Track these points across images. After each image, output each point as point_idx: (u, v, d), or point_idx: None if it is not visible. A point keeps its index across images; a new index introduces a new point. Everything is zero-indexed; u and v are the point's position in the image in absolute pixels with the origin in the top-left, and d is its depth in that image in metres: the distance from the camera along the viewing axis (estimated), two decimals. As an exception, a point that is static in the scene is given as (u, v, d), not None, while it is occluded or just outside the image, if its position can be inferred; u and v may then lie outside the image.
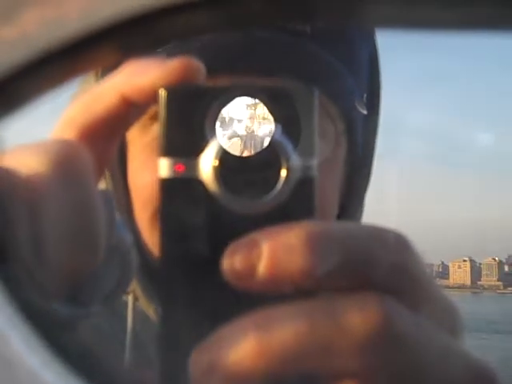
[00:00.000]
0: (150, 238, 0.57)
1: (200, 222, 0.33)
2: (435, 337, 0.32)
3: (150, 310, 0.60)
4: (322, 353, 0.30)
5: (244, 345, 0.30)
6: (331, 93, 0.58)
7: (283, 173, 0.33)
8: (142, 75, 0.35)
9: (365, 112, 0.63)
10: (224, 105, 0.33)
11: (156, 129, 0.54)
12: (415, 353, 0.31)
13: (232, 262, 0.31)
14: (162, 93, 0.34)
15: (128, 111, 0.36)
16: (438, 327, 0.32)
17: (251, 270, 0.31)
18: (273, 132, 0.33)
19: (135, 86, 0.35)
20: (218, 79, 0.52)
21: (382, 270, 0.32)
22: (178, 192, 0.33)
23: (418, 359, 0.31)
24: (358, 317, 0.30)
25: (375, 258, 0.32)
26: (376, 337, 0.30)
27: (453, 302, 0.34)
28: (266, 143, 0.33)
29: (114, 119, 0.36)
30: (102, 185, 0.58)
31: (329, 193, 0.59)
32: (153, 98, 0.34)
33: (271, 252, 0.31)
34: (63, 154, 0.33)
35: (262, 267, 0.31)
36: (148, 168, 0.56)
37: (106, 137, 0.37)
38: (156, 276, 0.55)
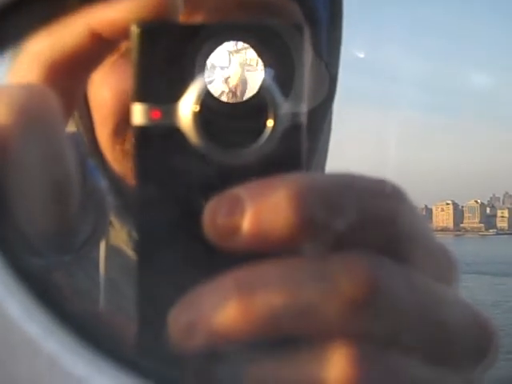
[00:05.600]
0: (112, 154, 0.55)
1: (178, 173, 0.31)
2: (430, 291, 0.31)
3: (123, 235, 0.58)
4: (308, 315, 0.29)
5: (226, 306, 0.29)
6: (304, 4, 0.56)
7: (270, 122, 0.30)
8: (112, 8, 0.32)
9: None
10: (205, 45, 0.30)
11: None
12: (407, 311, 0.30)
13: (213, 218, 0.29)
14: (135, 30, 0.31)
15: (98, 47, 0.33)
16: (433, 280, 0.31)
17: (234, 227, 0.29)
18: (260, 78, 0.30)
19: (105, 19, 0.32)
20: None
21: (373, 225, 0.30)
22: (154, 141, 0.30)
23: (411, 317, 0.30)
24: (346, 278, 0.29)
25: (365, 212, 0.30)
26: (365, 299, 0.29)
27: (449, 251, 0.33)
28: (252, 90, 0.30)
29: (83, 55, 0.33)
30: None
31: None
32: (124, 33, 0.31)
33: (255, 209, 0.29)
34: (28, 101, 0.31)
35: (246, 225, 0.29)
36: (107, 83, 0.54)
37: (75, 74, 0.34)
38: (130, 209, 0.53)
